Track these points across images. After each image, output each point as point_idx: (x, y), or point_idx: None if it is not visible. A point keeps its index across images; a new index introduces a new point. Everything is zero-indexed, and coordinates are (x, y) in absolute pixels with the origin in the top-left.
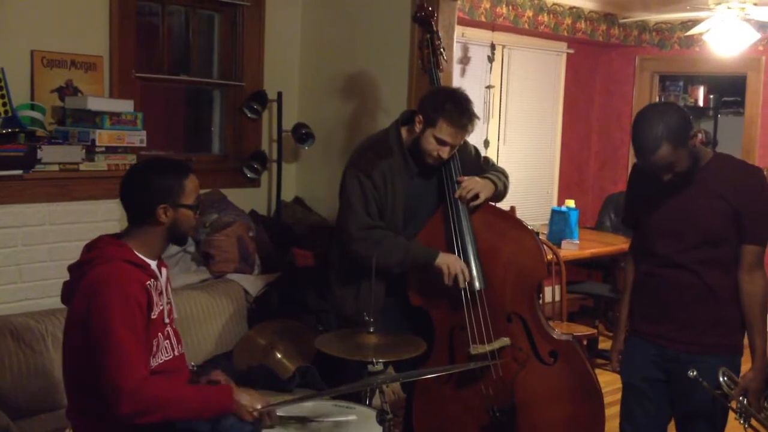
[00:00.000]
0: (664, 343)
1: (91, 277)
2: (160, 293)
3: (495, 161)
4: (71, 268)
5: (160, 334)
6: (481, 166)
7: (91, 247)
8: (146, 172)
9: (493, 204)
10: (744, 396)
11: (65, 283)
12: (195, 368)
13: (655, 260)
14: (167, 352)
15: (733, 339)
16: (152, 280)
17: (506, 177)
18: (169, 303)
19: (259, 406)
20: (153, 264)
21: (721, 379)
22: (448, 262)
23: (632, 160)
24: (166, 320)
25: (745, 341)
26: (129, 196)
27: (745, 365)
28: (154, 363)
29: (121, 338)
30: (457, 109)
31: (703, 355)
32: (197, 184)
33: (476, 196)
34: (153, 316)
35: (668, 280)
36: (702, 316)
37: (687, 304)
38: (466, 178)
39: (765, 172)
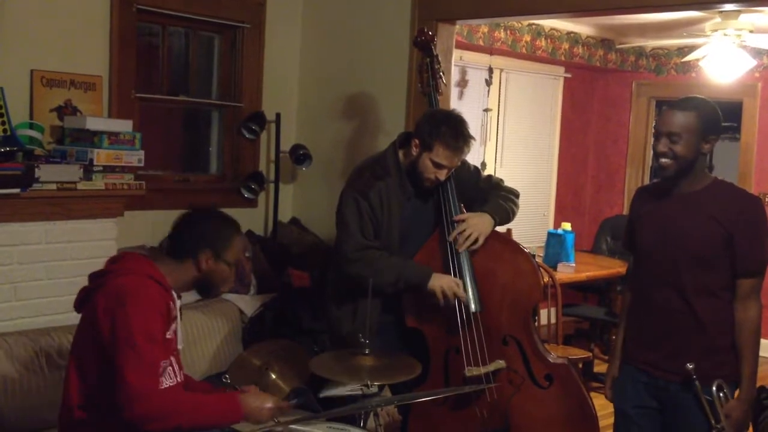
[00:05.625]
0: (653, 372)
1: (112, 287)
2: (175, 318)
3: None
4: (92, 276)
5: (172, 357)
6: (480, 186)
7: (115, 260)
8: (205, 215)
9: None
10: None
11: (82, 289)
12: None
13: (646, 282)
14: (171, 378)
15: (722, 371)
16: (171, 302)
17: (514, 198)
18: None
19: (269, 404)
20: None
21: (713, 388)
22: (441, 283)
23: (629, 183)
24: (178, 346)
25: None
26: (181, 231)
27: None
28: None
29: (143, 345)
30: (453, 132)
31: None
32: (245, 246)
33: (475, 241)
34: (168, 336)
35: (657, 305)
36: (689, 345)
37: (674, 331)
38: (463, 218)
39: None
